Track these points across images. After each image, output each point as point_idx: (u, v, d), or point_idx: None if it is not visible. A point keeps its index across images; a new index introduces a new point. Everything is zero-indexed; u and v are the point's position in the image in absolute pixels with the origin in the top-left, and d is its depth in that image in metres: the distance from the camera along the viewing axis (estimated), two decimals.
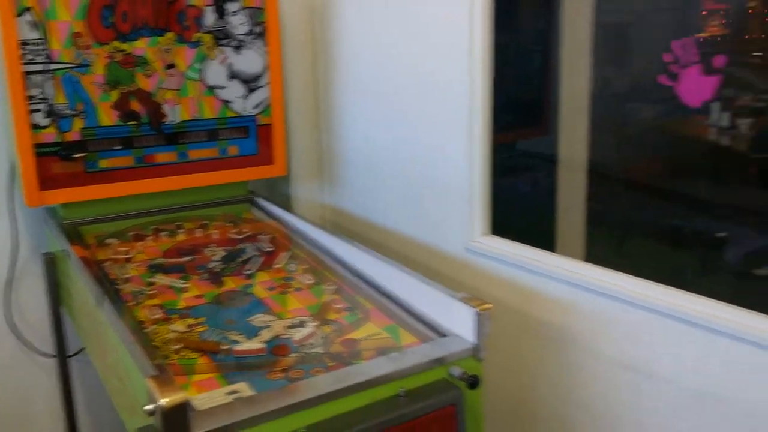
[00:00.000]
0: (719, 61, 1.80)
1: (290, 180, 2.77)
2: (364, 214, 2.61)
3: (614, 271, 1.79)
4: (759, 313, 1.49)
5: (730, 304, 1.54)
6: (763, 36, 3.56)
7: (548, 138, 3.33)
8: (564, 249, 3.02)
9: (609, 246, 3.27)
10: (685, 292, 1.61)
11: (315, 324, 1.67)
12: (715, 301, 1.56)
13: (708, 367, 1.56)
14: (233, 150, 2.48)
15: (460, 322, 1.56)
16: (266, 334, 1.62)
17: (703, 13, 3.60)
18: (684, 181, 3.33)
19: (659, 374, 1.66)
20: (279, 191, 2.83)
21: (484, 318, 1.52)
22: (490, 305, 1.53)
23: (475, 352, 1.52)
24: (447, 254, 2.20)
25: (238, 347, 1.56)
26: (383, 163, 2.45)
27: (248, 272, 2.00)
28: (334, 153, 2.72)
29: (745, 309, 1.51)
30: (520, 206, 3.28)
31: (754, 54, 3.58)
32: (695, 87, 1.84)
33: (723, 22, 3.64)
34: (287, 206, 2.70)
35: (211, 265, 2.06)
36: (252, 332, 1.64)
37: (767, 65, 3.35)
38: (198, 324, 1.68)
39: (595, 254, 2.95)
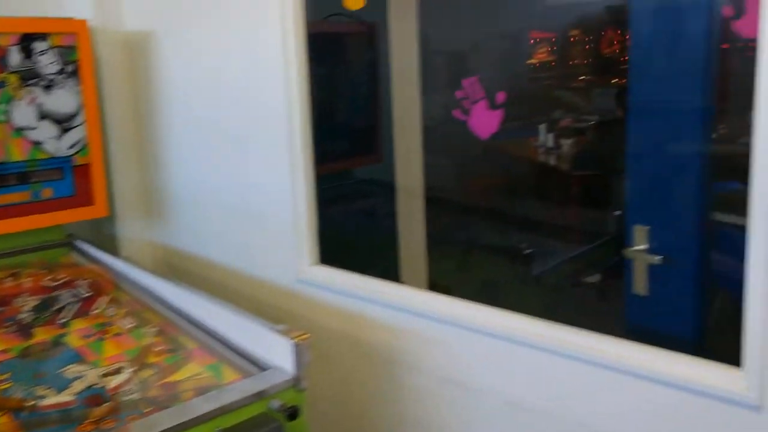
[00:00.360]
0: (501, 97, 1.95)
1: (116, 220, 2.66)
2: (195, 250, 2.55)
3: (432, 293, 1.87)
4: (560, 325, 1.60)
5: (535, 318, 1.64)
6: (585, 62, 3.87)
7: (384, 165, 3.41)
8: (407, 273, 3.09)
9: (449, 266, 3.39)
10: (491, 307, 1.72)
11: (132, 369, 1.61)
12: (520, 315, 1.66)
13: (516, 378, 1.66)
14: (47, 192, 2.36)
15: (280, 354, 1.56)
16: (78, 385, 1.55)
17: (534, 41, 3.86)
18: (515, 201, 3.53)
19: (475, 387, 1.74)
20: (105, 233, 2.71)
21: (302, 348, 1.53)
22: (308, 335, 1.54)
23: (295, 383, 1.52)
24: (279, 286, 2.20)
25: (45, 402, 1.47)
26: (208, 198, 2.42)
27: (62, 321, 1.91)
28: (160, 189, 2.65)
29: (547, 321, 1.62)
30: (359, 235, 3.34)
31: (580, 78, 3.87)
32: (483, 121, 1.97)
33: (552, 49, 3.92)
34: (114, 248, 2.60)
35: (21, 316, 1.94)
36: (63, 384, 1.55)
37: (590, 89, 3.64)
38: (1, 381, 1.57)
39: (436, 275, 3.04)
